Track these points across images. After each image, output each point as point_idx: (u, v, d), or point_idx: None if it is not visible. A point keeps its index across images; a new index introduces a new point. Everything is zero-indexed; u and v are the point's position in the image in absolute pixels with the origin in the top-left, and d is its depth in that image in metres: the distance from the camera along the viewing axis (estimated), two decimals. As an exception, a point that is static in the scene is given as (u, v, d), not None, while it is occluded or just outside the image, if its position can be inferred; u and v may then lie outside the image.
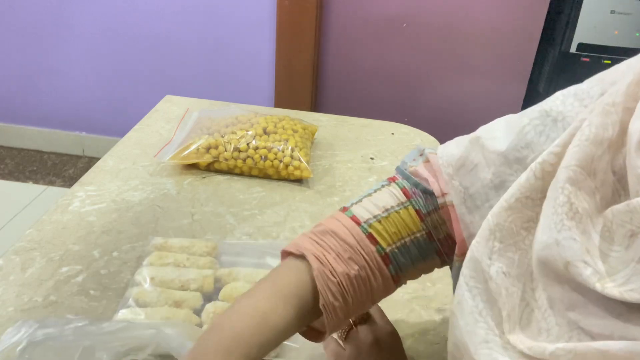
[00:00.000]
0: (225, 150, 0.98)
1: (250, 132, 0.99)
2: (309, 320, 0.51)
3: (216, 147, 0.98)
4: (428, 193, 0.52)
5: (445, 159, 0.52)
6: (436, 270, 0.70)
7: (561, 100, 0.48)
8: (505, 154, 0.48)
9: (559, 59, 2.05)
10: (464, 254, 0.45)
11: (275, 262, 0.75)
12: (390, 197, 0.53)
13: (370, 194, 0.54)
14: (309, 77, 2.20)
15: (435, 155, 0.54)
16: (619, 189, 0.37)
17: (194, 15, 2.19)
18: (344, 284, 0.49)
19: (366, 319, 0.59)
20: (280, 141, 0.99)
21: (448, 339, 0.46)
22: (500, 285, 0.40)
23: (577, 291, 0.36)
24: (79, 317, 0.67)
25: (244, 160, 0.98)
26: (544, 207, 0.39)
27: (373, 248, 0.50)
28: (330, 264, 0.49)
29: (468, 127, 2.13)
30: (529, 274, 0.40)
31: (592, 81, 0.48)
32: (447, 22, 2.10)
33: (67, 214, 0.87)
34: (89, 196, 0.91)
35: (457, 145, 0.53)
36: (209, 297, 0.69)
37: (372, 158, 1.10)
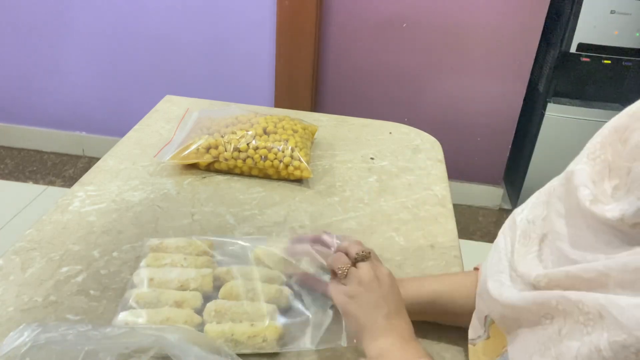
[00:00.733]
0: (225, 150, 0.98)
1: (250, 132, 0.99)
2: None
3: (216, 147, 0.98)
4: None
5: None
6: (436, 270, 0.72)
7: None
8: None
9: (559, 59, 2.05)
10: None
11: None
12: None
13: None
14: (309, 77, 2.20)
15: None
16: None
17: (194, 15, 2.19)
18: None
19: (367, 257, 0.62)
20: (280, 141, 0.99)
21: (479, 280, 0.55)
22: (520, 228, 0.48)
23: (571, 223, 0.43)
24: (80, 321, 0.67)
25: (244, 160, 0.98)
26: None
27: None
28: None
29: (468, 127, 2.15)
30: (548, 226, 0.46)
31: None
32: (447, 22, 2.10)
33: (67, 214, 0.87)
34: (89, 196, 0.91)
35: None
36: (208, 296, 0.69)
37: (372, 158, 1.10)
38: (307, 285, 0.70)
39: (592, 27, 1.95)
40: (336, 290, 0.61)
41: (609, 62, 2.03)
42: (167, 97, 1.30)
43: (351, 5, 2.12)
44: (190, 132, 1.03)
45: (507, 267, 0.48)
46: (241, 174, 1.00)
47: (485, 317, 0.51)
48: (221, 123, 1.04)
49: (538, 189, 0.54)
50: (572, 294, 0.37)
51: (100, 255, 0.78)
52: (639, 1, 1.90)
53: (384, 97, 2.28)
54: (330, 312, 0.68)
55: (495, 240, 0.53)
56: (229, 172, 1.00)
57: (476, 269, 0.66)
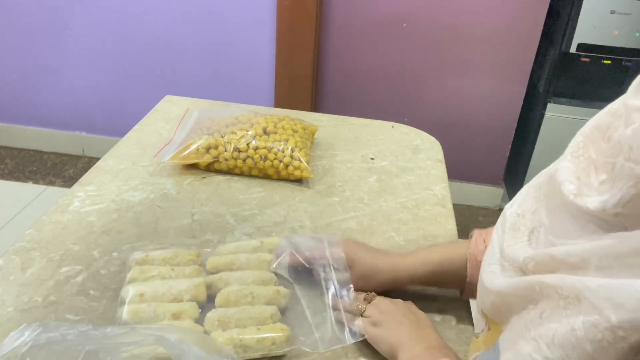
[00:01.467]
0: (225, 150, 0.98)
1: (250, 132, 0.99)
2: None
3: (216, 147, 0.98)
4: None
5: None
6: None
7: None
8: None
9: (559, 59, 2.05)
10: None
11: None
12: None
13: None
14: (309, 77, 2.20)
15: None
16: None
17: (194, 16, 2.19)
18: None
19: (374, 296, 0.70)
20: (280, 141, 0.99)
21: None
22: (509, 221, 0.50)
23: (556, 215, 0.44)
24: (80, 321, 0.67)
25: (244, 160, 0.98)
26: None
27: None
28: (484, 241, 0.68)
29: (468, 127, 2.15)
30: (537, 219, 0.47)
31: None
32: (447, 22, 2.10)
33: (67, 214, 0.87)
34: (89, 196, 0.91)
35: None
36: (202, 305, 0.68)
37: (372, 158, 1.10)
38: (296, 265, 0.74)
39: (592, 27, 1.95)
40: (364, 324, 0.66)
41: (609, 62, 2.02)
42: (167, 97, 1.30)
43: (351, 5, 2.11)
44: (190, 132, 1.03)
45: (498, 257, 0.49)
46: (241, 174, 1.00)
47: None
48: (221, 123, 1.03)
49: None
50: (552, 279, 0.39)
51: (100, 255, 0.78)
52: (639, 1, 1.90)
53: (384, 97, 2.28)
54: (329, 311, 0.69)
55: (490, 238, 0.55)
56: (229, 172, 1.00)
57: (471, 236, 0.71)
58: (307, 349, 0.65)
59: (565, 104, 2.11)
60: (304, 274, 0.74)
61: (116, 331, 0.54)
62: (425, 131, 1.22)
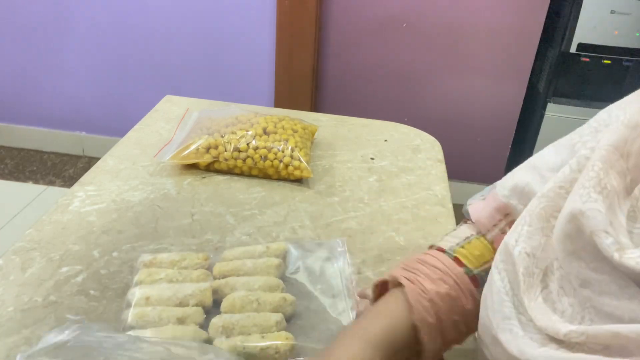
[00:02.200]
0: (225, 150, 0.98)
1: (250, 132, 0.99)
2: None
3: (216, 147, 0.98)
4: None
5: (500, 185, 0.56)
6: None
7: (607, 113, 0.49)
8: (558, 167, 0.50)
9: (559, 59, 2.05)
10: None
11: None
12: (468, 229, 0.58)
13: (448, 233, 0.59)
14: (309, 77, 2.20)
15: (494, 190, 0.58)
16: None
17: (194, 16, 2.19)
18: (435, 301, 0.51)
19: None
20: (280, 141, 0.99)
21: (479, 321, 0.48)
22: (521, 265, 0.43)
23: (594, 267, 0.37)
24: (79, 321, 0.67)
25: (244, 160, 0.98)
26: (574, 186, 0.41)
27: (461, 270, 0.53)
28: (421, 283, 0.51)
29: (468, 127, 2.14)
30: (552, 258, 0.42)
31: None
32: (447, 22, 2.10)
33: (67, 214, 0.87)
34: (89, 196, 0.91)
35: (512, 174, 0.57)
36: (208, 310, 0.67)
37: (372, 158, 1.10)
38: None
39: (592, 27, 1.95)
40: None
41: (609, 62, 2.02)
42: (167, 97, 1.30)
43: (351, 5, 2.12)
44: (190, 132, 1.03)
45: (513, 311, 0.42)
46: (241, 174, 1.00)
47: None
48: (221, 123, 1.04)
49: (538, 189, 0.54)
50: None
51: (100, 255, 0.78)
52: (639, 1, 1.90)
53: (384, 97, 2.28)
54: (338, 318, 0.68)
55: (489, 279, 0.47)
56: (229, 172, 1.00)
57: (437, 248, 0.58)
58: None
59: (565, 104, 2.11)
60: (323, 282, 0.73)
61: (150, 347, 0.53)
62: (425, 131, 1.22)
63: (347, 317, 0.68)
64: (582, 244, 0.38)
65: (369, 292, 0.60)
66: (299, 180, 1.00)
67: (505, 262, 0.45)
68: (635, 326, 0.33)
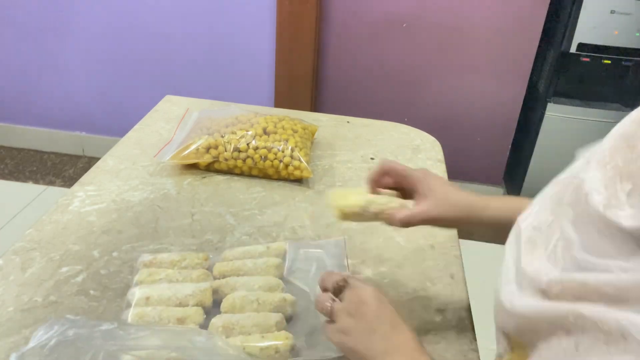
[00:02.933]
0: (225, 150, 0.98)
1: (250, 132, 0.99)
2: None
3: (216, 147, 0.98)
4: None
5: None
6: (436, 270, 0.70)
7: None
8: None
9: (559, 59, 2.05)
10: None
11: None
12: None
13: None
14: (309, 77, 2.20)
15: None
16: None
17: (194, 16, 2.19)
18: None
19: (344, 285, 0.60)
20: (280, 141, 0.99)
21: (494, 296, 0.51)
22: (525, 235, 0.47)
23: (582, 227, 0.41)
24: (103, 320, 0.67)
25: (244, 160, 0.98)
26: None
27: None
28: None
29: (468, 127, 2.14)
30: (557, 232, 0.44)
31: None
32: (447, 22, 2.10)
33: (67, 214, 0.87)
34: (88, 196, 0.91)
35: None
36: (208, 310, 0.68)
37: (372, 158, 1.10)
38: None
39: (592, 27, 1.95)
40: (331, 332, 0.58)
41: (609, 62, 2.02)
42: (167, 97, 1.30)
43: (351, 5, 2.12)
44: (190, 132, 1.03)
45: (514, 274, 0.46)
46: (241, 174, 1.00)
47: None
48: (221, 123, 1.04)
49: (538, 188, 0.53)
50: (591, 312, 0.36)
51: (100, 255, 0.78)
52: (639, 1, 1.90)
53: (384, 97, 2.28)
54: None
55: (504, 253, 0.51)
56: (229, 172, 1.00)
57: None
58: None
59: (565, 104, 2.12)
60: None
61: (139, 332, 0.53)
62: (425, 131, 1.22)
63: None
64: (579, 210, 0.42)
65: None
66: (299, 180, 1.00)
67: (516, 236, 0.49)
68: (599, 275, 0.37)
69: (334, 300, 0.59)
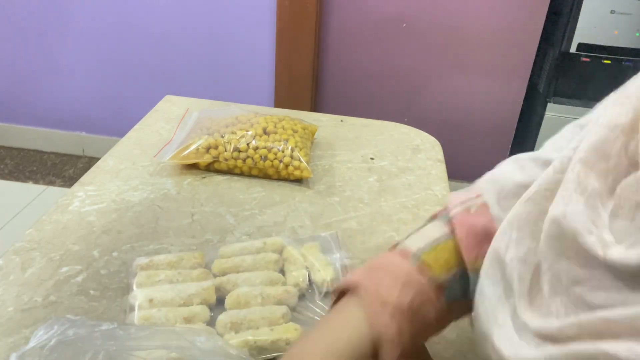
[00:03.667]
0: (225, 150, 0.98)
1: (250, 132, 0.99)
2: None
3: (216, 147, 0.98)
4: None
5: (483, 179, 0.56)
6: None
7: (596, 111, 0.49)
8: (535, 158, 0.51)
9: (559, 59, 2.05)
10: None
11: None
12: (437, 229, 0.55)
13: (417, 230, 0.56)
14: (309, 77, 2.20)
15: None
16: (632, 173, 0.38)
17: (194, 15, 2.19)
18: (395, 314, 0.48)
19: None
20: (280, 141, 0.99)
21: (473, 330, 0.47)
22: (514, 270, 0.42)
23: (582, 265, 0.37)
24: (103, 319, 0.67)
25: (244, 160, 0.98)
26: (558, 190, 0.41)
27: (425, 279, 0.50)
28: (381, 294, 0.48)
29: (468, 127, 2.14)
30: (541, 260, 0.41)
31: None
32: (447, 22, 2.10)
33: (67, 214, 0.87)
34: (88, 196, 0.91)
35: (494, 169, 0.58)
36: (211, 307, 0.68)
37: (372, 158, 1.10)
38: None
39: (592, 27, 1.95)
40: None
41: (609, 62, 2.03)
42: (167, 97, 1.30)
43: (351, 5, 2.12)
44: (190, 132, 1.03)
45: (508, 318, 0.42)
46: (241, 174, 1.00)
47: None
48: (221, 123, 1.04)
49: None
50: (619, 349, 0.33)
51: (100, 255, 0.78)
52: (639, 1, 1.90)
53: (384, 97, 2.28)
54: None
55: (479, 286, 0.46)
56: (229, 172, 1.00)
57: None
58: None
59: (565, 104, 2.12)
60: None
61: (140, 332, 0.54)
62: (425, 131, 1.22)
63: None
64: (568, 245, 0.38)
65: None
66: (299, 180, 1.00)
67: (495, 269, 0.44)
68: (625, 310, 0.34)
69: None
